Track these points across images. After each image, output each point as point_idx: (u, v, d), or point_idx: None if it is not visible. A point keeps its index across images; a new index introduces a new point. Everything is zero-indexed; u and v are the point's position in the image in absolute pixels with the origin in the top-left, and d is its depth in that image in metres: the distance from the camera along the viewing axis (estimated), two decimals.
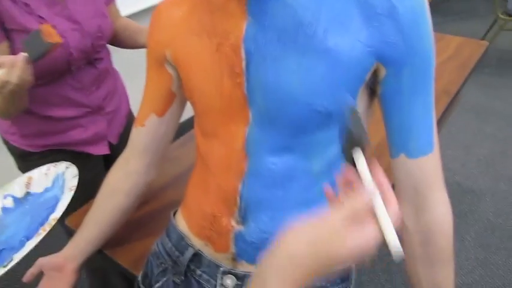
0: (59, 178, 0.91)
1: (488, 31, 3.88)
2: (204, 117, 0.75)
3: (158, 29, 0.77)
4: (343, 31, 0.61)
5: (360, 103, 0.68)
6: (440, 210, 0.69)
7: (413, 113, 0.65)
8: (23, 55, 0.95)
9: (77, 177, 0.87)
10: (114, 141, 1.40)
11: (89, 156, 1.35)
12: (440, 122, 1.60)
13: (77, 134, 1.30)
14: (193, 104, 0.76)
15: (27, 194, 0.93)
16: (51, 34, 0.98)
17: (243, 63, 0.66)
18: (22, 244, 0.77)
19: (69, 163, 0.92)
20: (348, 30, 0.61)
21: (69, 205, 0.80)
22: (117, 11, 1.42)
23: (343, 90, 0.63)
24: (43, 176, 0.94)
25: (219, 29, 0.67)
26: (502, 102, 3.21)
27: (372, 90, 0.69)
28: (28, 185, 0.94)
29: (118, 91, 1.41)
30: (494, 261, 2.04)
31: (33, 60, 0.97)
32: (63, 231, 1.16)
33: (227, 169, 0.75)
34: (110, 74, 1.36)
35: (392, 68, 0.63)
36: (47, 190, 0.91)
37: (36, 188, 0.93)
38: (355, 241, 0.44)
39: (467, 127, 2.97)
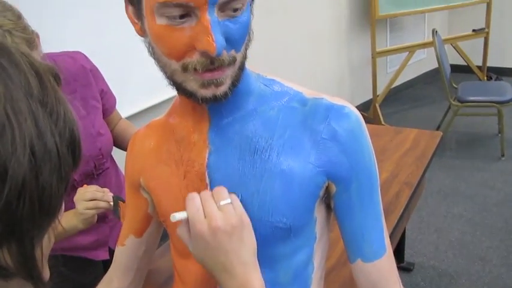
0: None
1: (444, 117, 4.15)
2: (176, 239, 0.80)
3: (132, 158, 0.85)
4: (294, 154, 0.71)
5: (318, 216, 0.76)
6: None
7: (364, 223, 0.73)
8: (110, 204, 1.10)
9: None
10: (114, 246, 1.39)
11: (88, 260, 1.34)
12: (405, 212, 1.69)
13: (78, 240, 1.30)
14: (166, 226, 0.83)
15: None
16: (123, 214, 1.12)
17: (208, 189, 0.74)
18: None
19: None
20: (299, 153, 0.71)
21: None
22: (117, 116, 1.43)
23: (300, 207, 0.71)
24: None
25: (185, 158, 0.76)
26: (465, 183, 3.37)
27: (327, 204, 0.77)
28: None
29: (122, 197, 1.41)
30: None
31: (113, 213, 1.15)
32: None
33: (200, 287, 0.80)
34: (114, 180, 1.37)
35: (341, 185, 0.72)
36: None
37: None
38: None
39: (437, 210, 3.08)
